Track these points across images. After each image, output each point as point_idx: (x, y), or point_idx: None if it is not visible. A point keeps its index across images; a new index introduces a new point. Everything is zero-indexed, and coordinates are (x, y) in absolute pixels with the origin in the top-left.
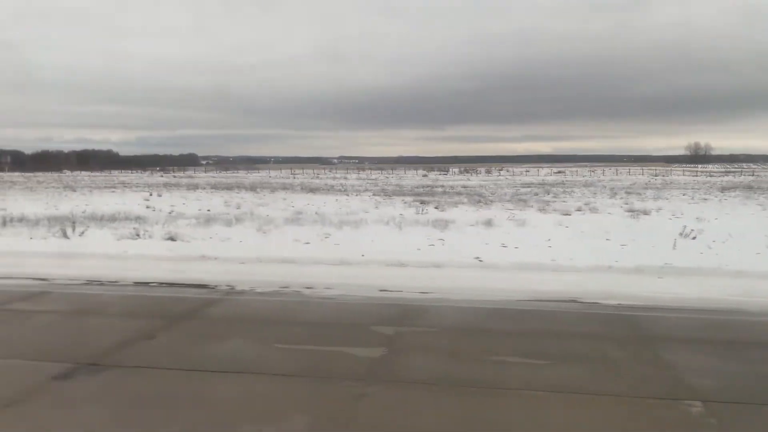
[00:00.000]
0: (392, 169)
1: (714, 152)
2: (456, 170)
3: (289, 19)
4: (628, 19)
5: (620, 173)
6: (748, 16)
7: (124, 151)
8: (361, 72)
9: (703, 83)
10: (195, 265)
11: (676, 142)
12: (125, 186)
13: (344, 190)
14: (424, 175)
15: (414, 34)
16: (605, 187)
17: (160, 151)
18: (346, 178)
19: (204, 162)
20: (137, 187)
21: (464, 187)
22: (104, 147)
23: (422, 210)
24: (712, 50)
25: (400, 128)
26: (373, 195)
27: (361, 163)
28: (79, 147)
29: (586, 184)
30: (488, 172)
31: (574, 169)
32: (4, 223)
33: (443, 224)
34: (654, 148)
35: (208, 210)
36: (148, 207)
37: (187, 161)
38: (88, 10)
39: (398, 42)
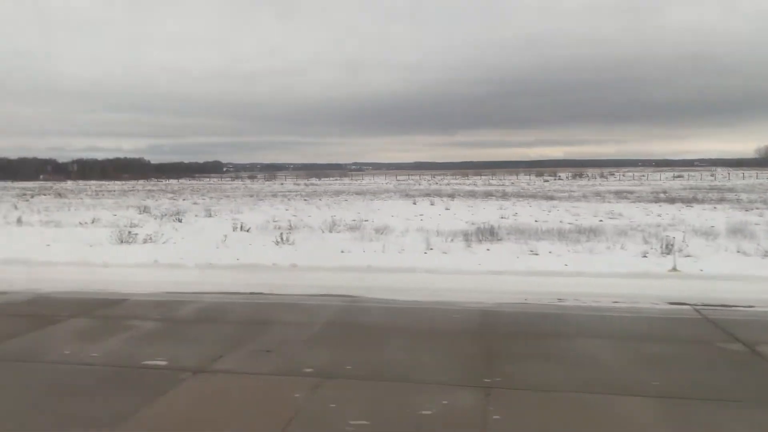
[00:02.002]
0: (480, 175)
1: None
2: (568, 174)
3: (300, 27)
4: (641, 24)
5: (747, 177)
6: (762, 20)
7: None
8: (373, 78)
9: (717, 87)
10: None
11: (687, 147)
12: (285, 196)
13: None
14: (546, 180)
15: (425, 40)
16: None
17: (172, 159)
18: (475, 185)
19: (224, 169)
20: (334, 196)
21: (659, 192)
22: (116, 155)
23: None
24: (725, 55)
25: (412, 134)
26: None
27: (377, 168)
28: (89, 155)
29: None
30: (603, 176)
31: (692, 173)
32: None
33: None
34: (663, 152)
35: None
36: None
37: (212, 169)
38: (98, 19)
39: (410, 48)
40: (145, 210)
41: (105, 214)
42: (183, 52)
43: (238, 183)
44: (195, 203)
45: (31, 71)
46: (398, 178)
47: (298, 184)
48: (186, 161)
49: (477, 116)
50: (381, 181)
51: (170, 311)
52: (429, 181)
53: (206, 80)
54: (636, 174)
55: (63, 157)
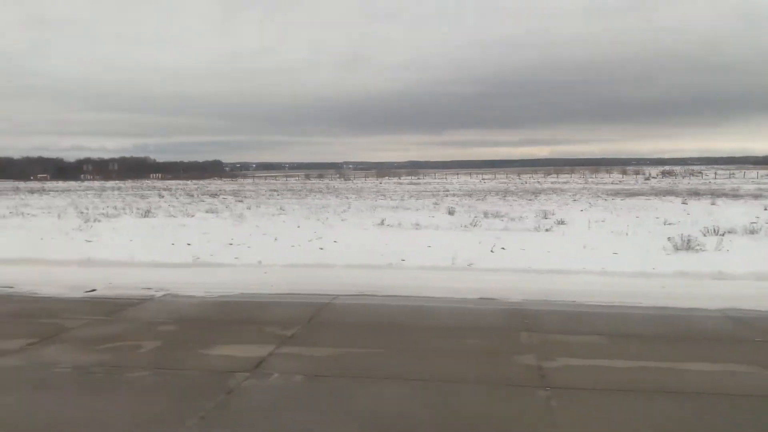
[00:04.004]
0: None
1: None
2: (654, 173)
3: (289, 26)
4: (626, 24)
5: None
6: (746, 18)
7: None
8: (361, 78)
9: (702, 86)
10: None
11: (672, 146)
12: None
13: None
14: (646, 179)
15: (413, 41)
16: None
17: (161, 158)
18: (576, 183)
19: (226, 168)
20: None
21: None
22: (103, 155)
23: None
24: (710, 54)
25: (400, 133)
26: None
27: (369, 168)
28: (74, 154)
29: None
30: (693, 174)
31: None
32: None
33: None
34: (650, 151)
35: None
36: None
37: (212, 168)
38: (83, 18)
39: (398, 48)
40: (451, 211)
41: (409, 215)
42: (171, 51)
43: (318, 183)
44: (492, 201)
45: (13, 69)
46: (471, 177)
47: (400, 183)
48: (186, 161)
49: (465, 116)
50: (462, 180)
51: None
52: (507, 180)
53: (193, 79)
54: (725, 172)
55: (50, 156)
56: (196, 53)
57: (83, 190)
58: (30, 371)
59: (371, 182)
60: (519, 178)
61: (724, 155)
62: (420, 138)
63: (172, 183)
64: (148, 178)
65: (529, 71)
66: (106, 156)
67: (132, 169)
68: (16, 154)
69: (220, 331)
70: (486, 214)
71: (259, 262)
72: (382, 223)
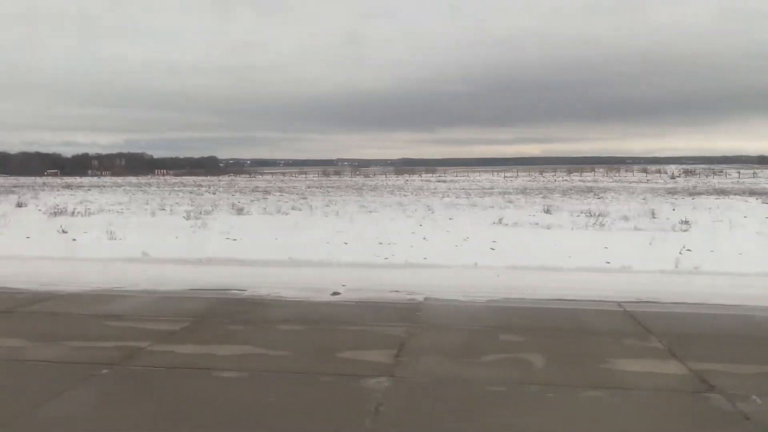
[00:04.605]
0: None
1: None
2: (675, 171)
3: (283, 22)
4: (621, 23)
5: None
6: (743, 19)
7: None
8: (354, 75)
9: (695, 86)
10: None
11: (664, 145)
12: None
13: None
14: (671, 178)
15: (406, 38)
16: None
17: (156, 154)
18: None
19: (221, 165)
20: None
21: None
22: (98, 150)
23: None
24: (702, 54)
25: (392, 131)
26: None
27: (366, 166)
28: (65, 150)
29: None
30: (715, 173)
31: None
32: None
33: None
34: (642, 150)
35: None
36: None
37: (208, 164)
38: (75, 12)
39: (391, 45)
40: (548, 210)
41: (507, 213)
42: (161, 48)
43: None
44: (560, 200)
45: (3, 64)
46: (494, 175)
47: (429, 181)
48: (180, 156)
49: (457, 114)
50: (485, 178)
51: None
52: (531, 179)
53: (185, 76)
54: (747, 171)
55: (45, 151)
56: (189, 49)
57: (118, 186)
58: (469, 389)
59: (396, 180)
60: (543, 177)
61: (718, 155)
62: (412, 136)
63: (193, 179)
64: (152, 173)
65: (524, 70)
66: (101, 151)
67: (132, 165)
68: (6, 150)
69: (574, 341)
70: (590, 214)
71: (475, 263)
72: (499, 221)
